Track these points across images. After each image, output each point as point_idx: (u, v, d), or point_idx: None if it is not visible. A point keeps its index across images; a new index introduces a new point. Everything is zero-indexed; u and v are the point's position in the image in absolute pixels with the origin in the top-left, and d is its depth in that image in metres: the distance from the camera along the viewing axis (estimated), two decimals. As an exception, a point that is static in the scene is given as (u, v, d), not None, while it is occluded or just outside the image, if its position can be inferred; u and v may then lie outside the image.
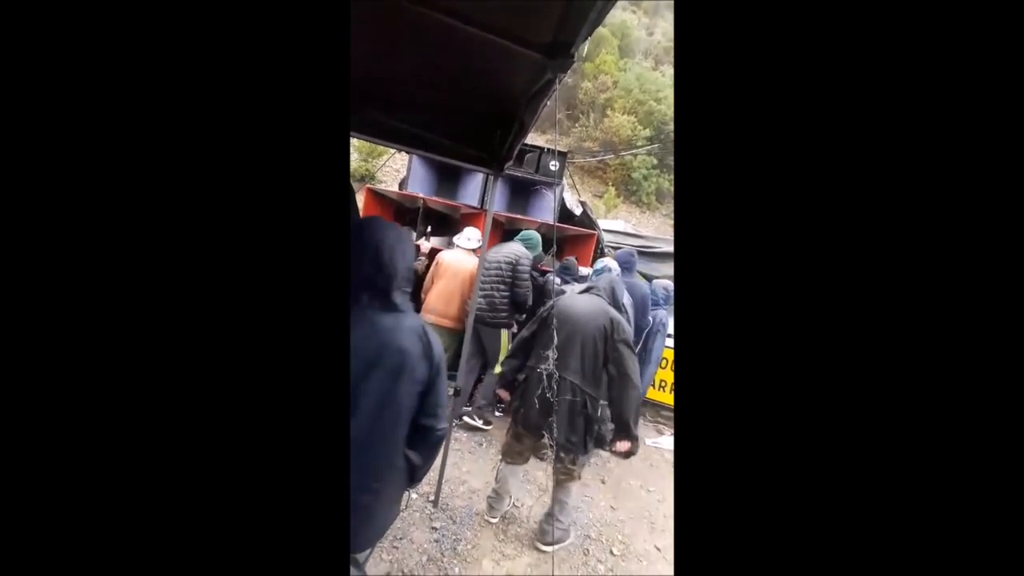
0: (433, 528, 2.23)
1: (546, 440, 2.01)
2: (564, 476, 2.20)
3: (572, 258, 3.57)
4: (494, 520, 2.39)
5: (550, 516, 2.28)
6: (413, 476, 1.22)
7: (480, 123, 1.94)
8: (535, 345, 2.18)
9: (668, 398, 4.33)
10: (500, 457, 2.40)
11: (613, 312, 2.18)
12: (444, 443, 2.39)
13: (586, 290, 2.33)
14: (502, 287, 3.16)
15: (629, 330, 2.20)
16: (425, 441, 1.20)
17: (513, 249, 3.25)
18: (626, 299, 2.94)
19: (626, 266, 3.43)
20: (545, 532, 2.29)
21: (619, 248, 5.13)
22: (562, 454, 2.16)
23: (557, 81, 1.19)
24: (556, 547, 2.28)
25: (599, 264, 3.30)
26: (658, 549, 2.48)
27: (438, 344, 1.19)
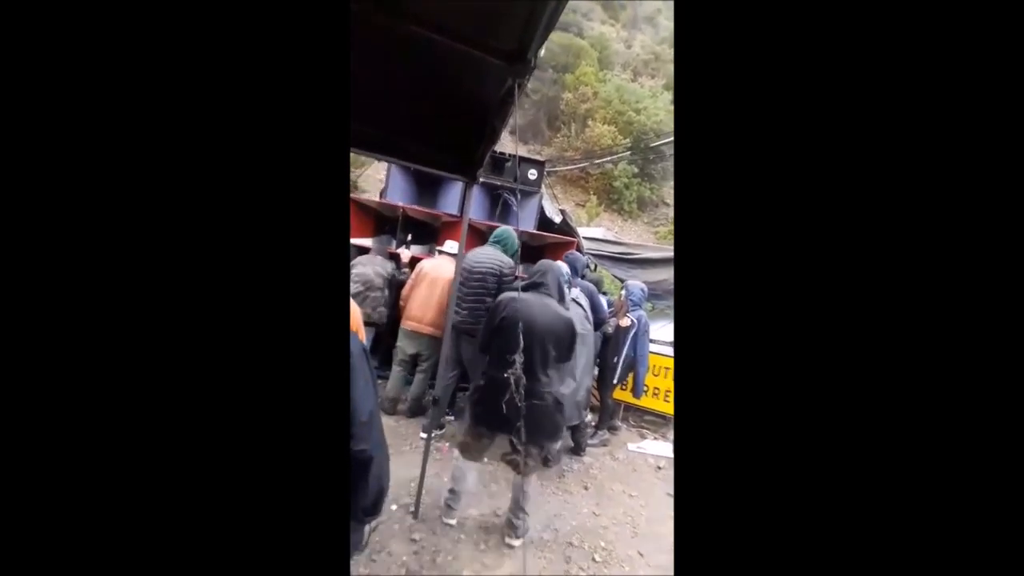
0: (412, 540, 2.19)
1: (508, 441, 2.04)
2: (530, 469, 2.28)
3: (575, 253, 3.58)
4: (452, 522, 2.32)
5: (518, 509, 2.28)
6: (360, 511, 1.04)
7: (453, 130, 1.96)
8: (494, 351, 2.17)
9: (651, 403, 4.35)
10: (457, 455, 2.34)
11: (567, 313, 2.26)
12: (423, 454, 2.38)
13: (532, 287, 2.28)
14: (487, 299, 3.02)
15: (577, 328, 2.31)
16: (355, 467, 0.99)
17: (493, 256, 3.16)
18: (575, 292, 2.99)
19: (573, 268, 3.45)
20: (516, 527, 2.28)
21: (600, 255, 5.20)
22: (532, 451, 2.20)
23: (518, 87, 1.21)
24: (522, 540, 2.28)
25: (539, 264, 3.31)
26: (640, 555, 2.46)
27: (356, 344, 1.01)
